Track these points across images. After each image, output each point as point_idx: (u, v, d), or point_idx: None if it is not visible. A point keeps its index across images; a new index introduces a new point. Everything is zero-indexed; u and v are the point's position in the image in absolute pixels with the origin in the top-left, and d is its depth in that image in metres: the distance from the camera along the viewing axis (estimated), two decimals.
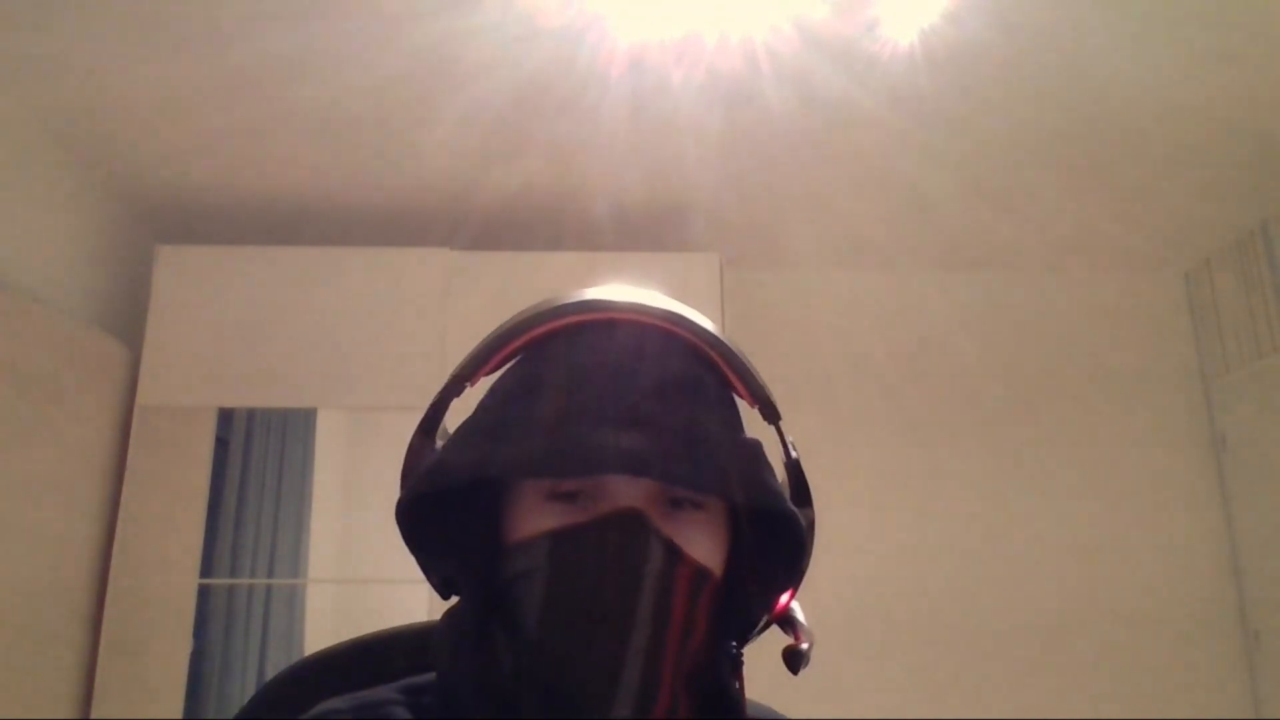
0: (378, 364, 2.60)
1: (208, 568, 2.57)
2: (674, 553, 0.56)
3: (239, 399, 2.65)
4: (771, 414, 0.65)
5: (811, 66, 2.13)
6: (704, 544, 0.59)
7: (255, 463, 2.77)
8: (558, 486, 0.58)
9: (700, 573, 0.57)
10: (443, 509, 0.62)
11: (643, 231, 2.93)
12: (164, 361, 2.58)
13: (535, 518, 0.58)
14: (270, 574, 2.73)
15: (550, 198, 2.78)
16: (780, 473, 0.64)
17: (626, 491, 0.56)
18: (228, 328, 2.63)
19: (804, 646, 0.61)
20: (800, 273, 3.27)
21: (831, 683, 2.82)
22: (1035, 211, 2.89)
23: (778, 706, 0.71)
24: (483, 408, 0.61)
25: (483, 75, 2.17)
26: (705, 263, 2.75)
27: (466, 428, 0.60)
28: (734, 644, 0.63)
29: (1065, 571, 3.01)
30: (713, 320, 0.65)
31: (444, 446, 0.61)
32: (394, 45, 2.08)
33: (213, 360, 2.60)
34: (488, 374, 0.64)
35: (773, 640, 0.66)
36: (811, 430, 3.10)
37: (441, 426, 0.65)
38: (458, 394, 0.63)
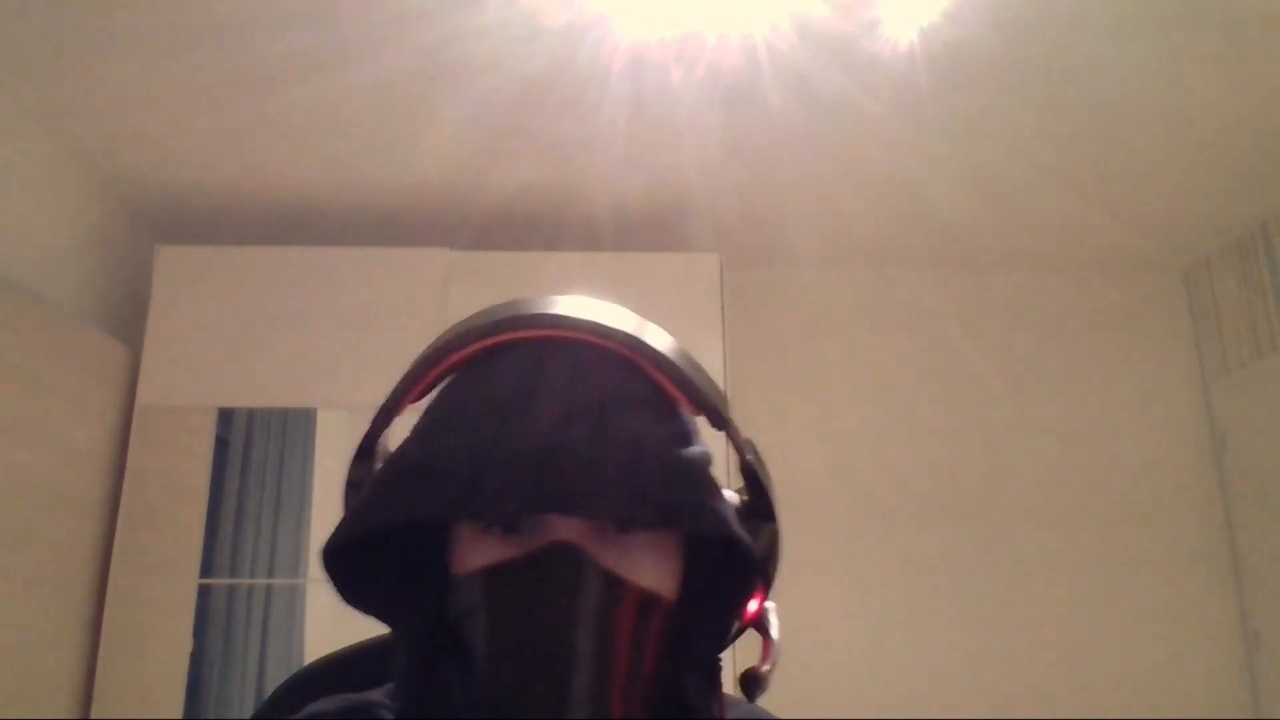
0: (378, 364, 2.60)
1: (208, 568, 2.57)
2: (613, 582, 0.54)
3: (239, 399, 2.65)
4: (718, 420, 0.60)
5: (811, 66, 2.13)
6: (651, 568, 0.56)
7: (255, 463, 2.77)
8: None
9: (647, 599, 0.55)
10: (382, 545, 0.60)
11: (643, 231, 2.93)
12: (164, 361, 2.57)
13: (473, 551, 0.56)
14: (270, 574, 2.73)
15: (550, 198, 2.78)
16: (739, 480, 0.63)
17: (563, 521, 0.54)
18: (228, 328, 2.62)
19: (764, 670, 0.59)
20: (800, 273, 3.27)
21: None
22: (1035, 211, 2.89)
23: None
24: (409, 439, 0.59)
25: (483, 75, 2.17)
26: (705, 263, 2.75)
27: (392, 463, 0.58)
28: (709, 657, 0.60)
29: (1063, 567, 3.01)
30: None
31: (369, 484, 0.58)
32: (394, 45, 2.07)
33: (213, 360, 2.60)
34: (416, 400, 0.62)
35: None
36: (810, 429, 3.11)
37: (382, 445, 0.63)
38: (386, 425, 0.62)
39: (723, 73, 2.16)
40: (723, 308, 2.69)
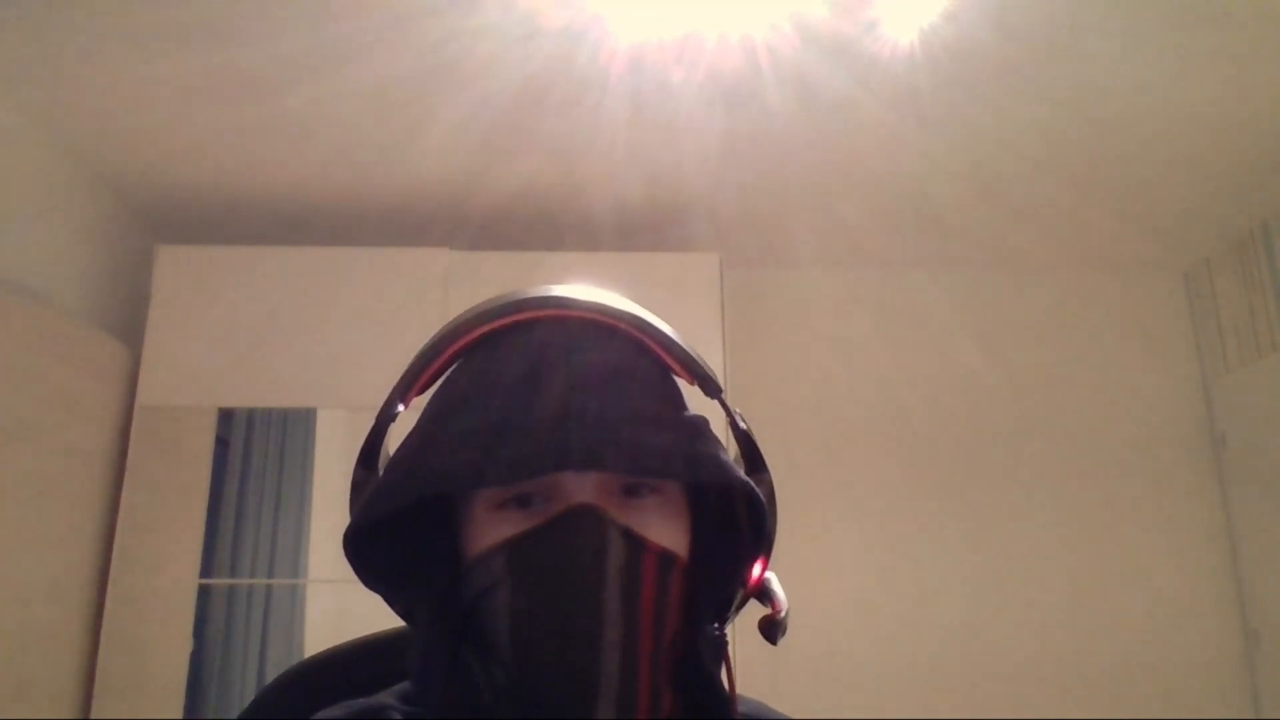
0: (378, 364, 2.60)
1: (208, 568, 2.56)
2: (635, 541, 0.55)
3: (239, 399, 2.65)
4: (712, 389, 0.63)
5: (811, 66, 2.13)
6: (665, 527, 0.58)
7: (255, 463, 2.77)
8: (506, 494, 0.56)
9: (665, 557, 0.57)
10: (394, 536, 0.60)
11: (643, 231, 2.93)
12: (164, 361, 2.57)
13: (489, 529, 0.57)
14: (270, 574, 2.73)
15: (550, 198, 2.78)
16: (733, 447, 0.65)
17: (578, 487, 0.56)
18: (228, 328, 2.62)
19: (781, 615, 0.61)
20: (800, 273, 3.27)
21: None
22: (1035, 211, 2.89)
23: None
24: (418, 426, 0.60)
25: (483, 75, 2.17)
26: (705, 263, 2.75)
27: (404, 449, 0.59)
28: (715, 626, 0.61)
29: (1064, 568, 3.01)
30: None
31: (384, 471, 0.60)
32: (394, 45, 2.08)
33: (213, 360, 2.60)
34: (420, 393, 0.63)
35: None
36: (810, 430, 3.11)
37: (384, 451, 0.64)
38: (393, 419, 0.63)
39: (723, 73, 2.17)
40: (723, 308, 2.69)
